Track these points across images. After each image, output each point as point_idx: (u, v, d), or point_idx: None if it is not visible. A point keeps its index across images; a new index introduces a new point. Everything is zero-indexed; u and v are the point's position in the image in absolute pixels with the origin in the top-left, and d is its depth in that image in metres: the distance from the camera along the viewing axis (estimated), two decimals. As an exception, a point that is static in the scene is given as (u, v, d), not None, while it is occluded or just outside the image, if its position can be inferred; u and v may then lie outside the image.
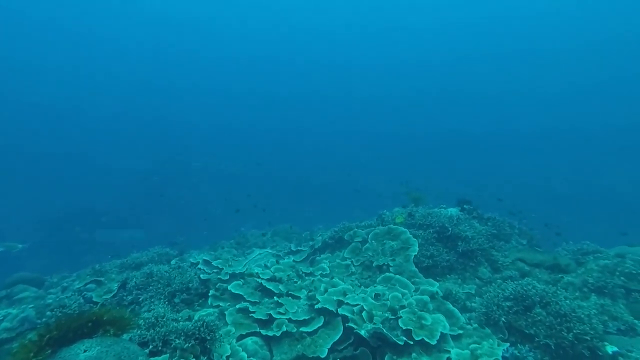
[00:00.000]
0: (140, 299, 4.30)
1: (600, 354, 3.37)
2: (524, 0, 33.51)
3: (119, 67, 39.68)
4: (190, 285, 4.52)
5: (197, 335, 3.08)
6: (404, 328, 3.51)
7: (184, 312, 4.12)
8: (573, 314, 3.62)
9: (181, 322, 3.29)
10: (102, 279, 5.28)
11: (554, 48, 36.54)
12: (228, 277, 5.00)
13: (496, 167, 31.63)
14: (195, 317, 3.99)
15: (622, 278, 4.57)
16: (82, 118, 38.68)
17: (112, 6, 34.18)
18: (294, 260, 6.34)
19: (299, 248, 6.79)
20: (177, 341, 3.00)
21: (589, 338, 3.42)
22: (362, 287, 5.14)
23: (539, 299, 3.90)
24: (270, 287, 4.69)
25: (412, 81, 42.80)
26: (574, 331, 3.47)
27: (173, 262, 6.05)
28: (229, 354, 3.32)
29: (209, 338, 3.13)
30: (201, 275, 4.83)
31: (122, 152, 32.76)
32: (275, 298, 4.47)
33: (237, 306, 4.22)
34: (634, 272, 4.55)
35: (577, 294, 4.54)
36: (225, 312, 4.02)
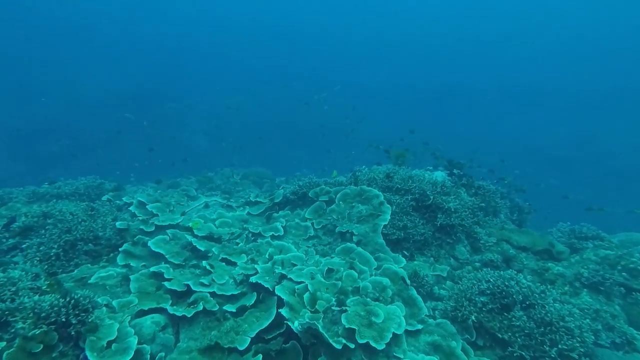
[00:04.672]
0: (24, 246, 3.41)
1: (586, 377, 2.70)
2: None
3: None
4: (101, 233, 3.61)
5: (54, 319, 2.23)
6: (347, 326, 2.73)
7: (80, 270, 3.26)
8: (561, 323, 2.88)
9: (45, 296, 2.42)
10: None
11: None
12: (154, 228, 4.10)
13: (497, 126, 30.15)
14: (92, 279, 3.16)
15: (623, 274, 3.84)
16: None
17: None
18: (248, 213, 5.47)
19: (258, 199, 5.87)
20: (20, 324, 2.15)
21: (576, 357, 2.71)
22: (318, 256, 4.37)
23: (521, 297, 3.14)
24: (201, 248, 3.84)
25: (411, 29, 38.61)
26: (559, 346, 2.75)
27: (105, 197, 5.09)
28: (112, 338, 2.52)
29: (74, 322, 2.29)
30: (117, 223, 3.90)
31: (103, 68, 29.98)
32: (204, 263, 3.63)
33: (152, 269, 3.37)
34: None
35: (566, 288, 3.83)
36: (131, 277, 3.17)
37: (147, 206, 4.74)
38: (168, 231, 3.99)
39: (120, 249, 3.58)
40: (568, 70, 35.34)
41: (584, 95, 33.35)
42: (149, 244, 3.70)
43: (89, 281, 3.14)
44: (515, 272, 3.52)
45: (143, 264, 3.53)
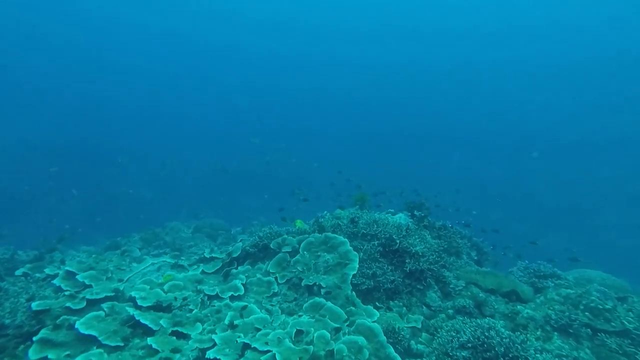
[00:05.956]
0: None
1: None
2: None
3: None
4: (8, 321, 2.86)
5: None
6: (324, 408, 2.33)
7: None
8: (545, 375, 2.75)
9: None
10: None
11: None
12: (85, 304, 3.40)
13: (440, 169, 32.53)
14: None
15: (586, 314, 3.92)
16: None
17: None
18: (202, 272, 4.89)
19: (213, 255, 5.33)
20: None
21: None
22: (285, 316, 3.92)
23: (503, 350, 2.99)
24: (146, 321, 3.22)
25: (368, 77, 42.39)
26: (548, 402, 2.58)
27: (19, 271, 4.22)
28: None
29: None
30: (33, 304, 3.16)
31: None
32: (149, 341, 3.02)
33: (78, 359, 2.69)
34: (600, 307, 3.92)
35: (538, 332, 3.80)
36: (46, 376, 2.47)
37: (77, 276, 3.99)
38: (104, 305, 3.32)
39: (34, 338, 2.83)
40: (494, 116, 40.37)
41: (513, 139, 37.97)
42: (77, 325, 3.01)
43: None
44: (493, 320, 3.42)
45: (67, 353, 2.82)
